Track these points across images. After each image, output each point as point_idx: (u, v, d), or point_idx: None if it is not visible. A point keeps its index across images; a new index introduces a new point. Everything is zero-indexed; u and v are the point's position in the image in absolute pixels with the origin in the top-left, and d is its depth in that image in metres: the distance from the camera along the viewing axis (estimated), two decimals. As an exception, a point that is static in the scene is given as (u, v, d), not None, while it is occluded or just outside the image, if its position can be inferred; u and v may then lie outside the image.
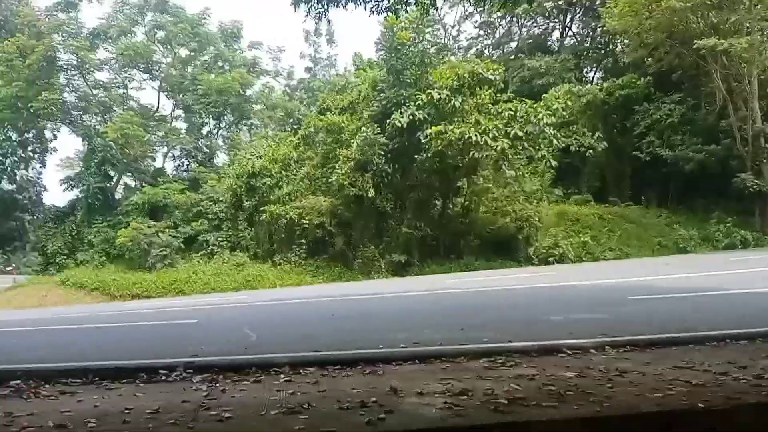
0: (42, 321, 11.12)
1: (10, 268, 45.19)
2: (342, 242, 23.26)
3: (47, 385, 3.88)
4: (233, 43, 35.16)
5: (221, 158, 34.16)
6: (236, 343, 5.58)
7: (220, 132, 35.15)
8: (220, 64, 34.02)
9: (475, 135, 19.40)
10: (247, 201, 25.56)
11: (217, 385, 3.74)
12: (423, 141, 20.57)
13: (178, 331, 7.38)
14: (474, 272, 19.43)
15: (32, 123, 29.00)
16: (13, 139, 30.35)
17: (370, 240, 22.77)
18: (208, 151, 33.07)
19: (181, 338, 6.38)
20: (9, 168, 30.77)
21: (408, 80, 22.02)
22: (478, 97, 21.81)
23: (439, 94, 20.65)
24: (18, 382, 3.97)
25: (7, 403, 3.42)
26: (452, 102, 20.61)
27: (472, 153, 19.98)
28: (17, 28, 28.78)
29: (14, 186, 31.24)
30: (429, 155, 20.84)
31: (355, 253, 22.85)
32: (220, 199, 26.96)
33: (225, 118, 34.03)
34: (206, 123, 33.93)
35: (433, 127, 20.05)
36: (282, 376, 3.92)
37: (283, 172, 25.75)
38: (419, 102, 20.93)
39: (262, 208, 24.63)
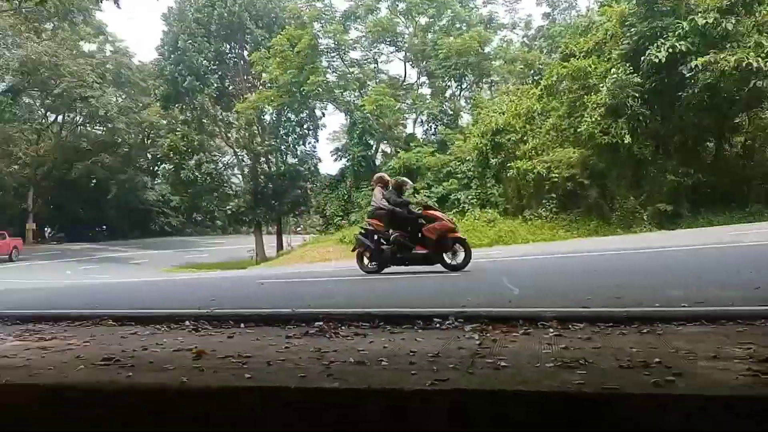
0: (328, 273, 12.91)
1: (300, 228, 53.43)
2: (596, 194, 21.91)
3: (343, 327, 4.50)
4: (468, 2, 35.09)
5: (465, 119, 34.82)
6: (500, 297, 5.72)
7: (462, 93, 35.74)
8: (458, 25, 34.34)
9: (757, 60, 16.23)
10: (493, 158, 25.70)
11: (488, 335, 3.88)
12: (687, 76, 17.97)
13: (445, 283, 7.87)
14: (762, 223, 16.54)
15: (304, 104, 33.30)
16: (292, 119, 35.33)
17: (628, 191, 20.99)
18: (452, 113, 33.97)
19: (447, 290, 6.80)
20: (291, 145, 36.04)
21: (663, 8, 19.31)
22: (757, 15, 18.10)
23: (705, 18, 17.70)
24: (321, 323, 4.70)
25: (315, 341, 4.07)
26: (723, 25, 17.47)
27: (753, 82, 16.84)
28: (286, 22, 33.14)
29: (296, 159, 36.49)
30: (696, 91, 18.17)
31: (612, 205, 21.34)
32: (467, 158, 27.61)
33: (466, 78, 34.42)
34: (449, 86, 34.80)
35: (700, 59, 17.33)
36: (551, 330, 3.89)
37: (527, 126, 25.16)
38: (679, 31, 18.25)
39: (508, 165, 24.53)
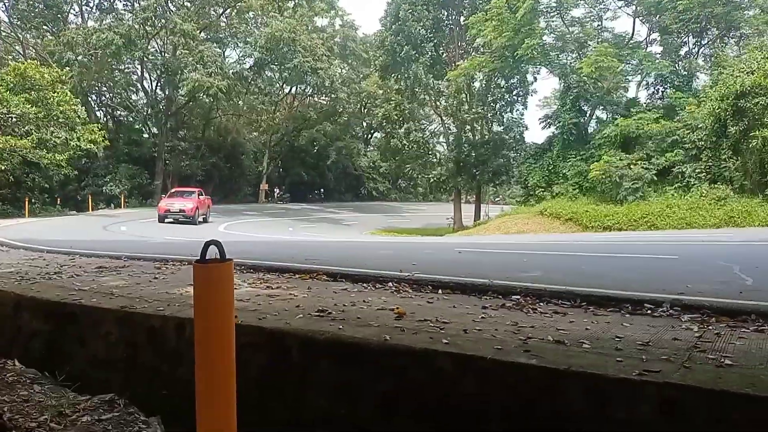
0: (528, 245, 12.60)
1: (498, 198, 52.93)
2: None
3: (542, 304, 4.37)
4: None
5: (701, 80, 30.55)
6: (727, 285, 5.01)
7: (700, 51, 31.34)
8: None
9: None
10: (732, 126, 22.21)
11: (710, 327, 3.45)
12: None
13: (658, 266, 7.15)
14: None
15: (516, 69, 32.27)
16: (501, 86, 34.61)
17: None
18: (686, 74, 30.04)
19: (662, 273, 6.16)
20: (498, 112, 35.41)
21: None
22: None
23: None
24: (518, 297, 4.61)
25: (512, 314, 4.01)
26: None
27: None
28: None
29: (502, 127, 35.83)
30: None
31: None
32: (699, 126, 24.30)
33: (707, 33, 30.05)
34: (685, 43, 30.75)
35: None
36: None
37: (782, 87, 21.18)
38: None
39: (751, 134, 21.04)
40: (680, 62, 30.27)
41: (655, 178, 24.53)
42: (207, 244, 1.62)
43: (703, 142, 24.00)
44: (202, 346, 1.64)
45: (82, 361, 4.37)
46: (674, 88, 28.85)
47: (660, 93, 30.99)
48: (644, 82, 32.16)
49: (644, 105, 29.75)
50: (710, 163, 23.52)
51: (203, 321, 1.63)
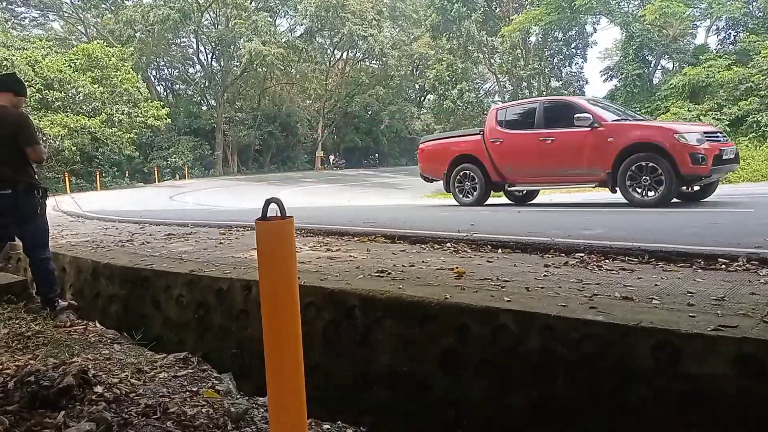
0: (591, 203, 12.23)
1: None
2: None
3: (607, 261, 4.24)
4: None
5: (778, 21, 28.26)
6: (811, 239, 4.69)
7: (779, -11, 28.93)
8: None
9: None
10: (816, 69, 20.55)
11: (791, 282, 3.25)
12: None
13: (732, 220, 6.78)
14: None
15: (574, 20, 30.88)
16: (559, 39, 33.25)
17: None
18: (761, 15, 27.85)
19: (736, 227, 5.83)
20: (556, 66, 34.16)
21: None
22: None
23: None
24: (582, 254, 4.49)
25: (576, 271, 3.92)
26: None
27: None
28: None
29: (560, 83, 34.57)
30: None
31: None
32: (777, 70, 22.60)
33: (786, -33, 27.67)
34: (761, -21, 28.48)
35: None
36: None
37: None
38: None
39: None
40: (755, 2, 28.02)
41: (728, 128, 23.08)
42: (268, 202, 1.65)
43: (781, 88, 22.35)
44: (268, 303, 1.68)
45: (157, 323, 4.62)
46: (748, 31, 26.80)
47: (731, 38, 28.91)
48: (714, 27, 30.07)
49: (714, 51, 27.86)
50: (790, 110, 21.93)
51: (268, 277, 1.67)
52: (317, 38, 47.90)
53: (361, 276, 3.91)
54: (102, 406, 2.67)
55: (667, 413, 2.38)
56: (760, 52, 23.73)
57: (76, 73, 28.70)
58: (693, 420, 2.32)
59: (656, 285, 3.30)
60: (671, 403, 2.37)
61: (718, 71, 24.19)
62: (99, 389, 2.84)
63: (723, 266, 3.77)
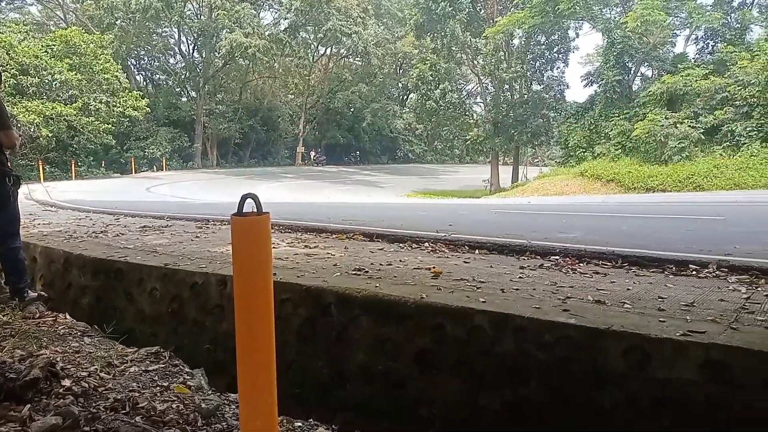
0: (567, 207, 12.37)
1: (537, 160, 51.91)
2: None
3: (582, 264, 4.29)
4: None
5: (755, 33, 28.87)
6: (779, 247, 4.82)
7: (755, 1, 29.57)
8: None
9: None
10: (789, 81, 21.04)
11: (759, 289, 3.33)
12: None
13: (704, 227, 6.92)
14: None
15: (557, 24, 31.11)
16: (542, 42, 33.46)
17: None
18: (738, 26, 28.43)
19: (707, 234, 5.96)
20: (538, 70, 34.35)
21: None
22: None
23: None
24: (557, 257, 4.54)
25: (551, 274, 3.96)
26: None
27: None
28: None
29: (542, 86, 34.77)
30: None
31: None
32: (752, 81, 23.07)
33: (764, -19, 28.31)
34: (740, -8, 29.11)
35: None
36: None
37: None
38: None
39: (810, 89, 19.92)
40: (733, 14, 28.59)
41: (703, 137, 23.57)
42: (244, 198, 1.63)
43: (755, 99, 22.84)
44: (242, 299, 1.66)
45: (129, 316, 4.54)
46: (725, 41, 27.35)
47: (710, 47, 29.46)
48: (693, 36, 30.60)
49: (692, 60, 28.37)
50: (762, 121, 22.42)
51: (242, 273, 1.65)
52: (301, 33, 47.57)
53: (339, 273, 3.90)
54: (69, 399, 2.62)
55: (638, 416, 2.42)
56: (736, 63, 24.24)
57: (53, 59, 28.09)
58: (663, 424, 2.36)
59: (628, 289, 3.35)
60: (642, 407, 2.41)
61: (696, 80, 24.65)
62: (67, 383, 2.79)
63: (694, 272, 3.84)
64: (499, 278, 3.74)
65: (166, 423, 2.51)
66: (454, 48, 34.97)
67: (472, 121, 37.77)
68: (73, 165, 29.84)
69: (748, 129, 22.57)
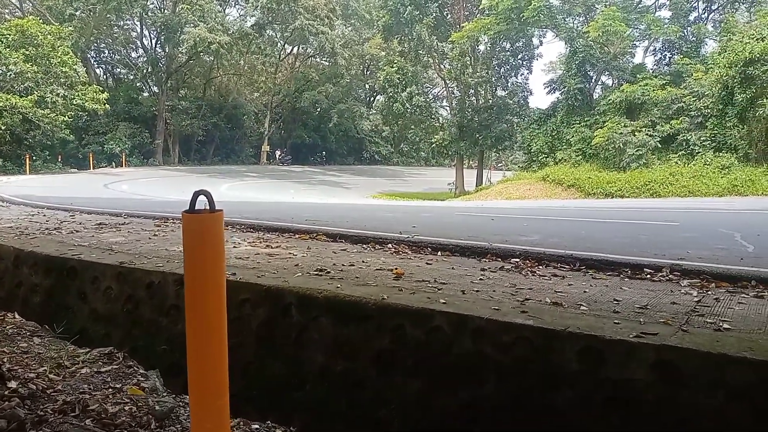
0: (529, 210, 12.58)
1: (500, 164, 52.68)
2: None
3: (541, 267, 4.36)
4: None
5: (709, 47, 30.00)
6: (727, 252, 5.00)
7: (710, 16, 30.72)
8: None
9: None
10: (739, 94, 21.92)
11: (709, 292, 3.45)
12: None
13: (659, 232, 7.13)
14: None
15: (522, 32, 31.65)
16: (507, 49, 33.98)
17: None
18: (694, 39, 29.47)
19: (662, 239, 6.14)
20: (502, 76, 34.87)
21: None
22: None
23: None
24: (517, 260, 4.61)
25: (511, 276, 4.01)
26: None
27: None
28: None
29: (506, 92, 35.31)
30: None
31: None
32: (706, 93, 23.98)
33: (718, -2, 29.45)
34: (694, 8, 30.15)
35: None
36: (796, 298, 3.29)
37: (793, 55, 20.78)
38: None
39: (758, 102, 20.77)
40: (689, 28, 29.66)
41: (659, 145, 24.35)
42: (196, 194, 1.59)
43: (709, 110, 23.73)
44: (192, 298, 1.62)
45: (82, 316, 4.40)
46: (682, 54, 28.36)
47: (667, 59, 30.49)
48: (651, 48, 31.68)
49: (650, 71, 29.30)
50: (715, 131, 23.30)
51: (193, 272, 1.61)
52: (268, 30, 47.10)
53: (300, 274, 3.86)
54: (15, 402, 2.52)
55: (591, 417, 2.46)
56: (692, 75, 25.12)
57: (7, 49, 27.06)
58: (614, 423, 2.41)
59: (585, 292, 3.42)
60: (594, 407, 2.46)
61: (653, 90, 25.44)
62: (13, 384, 2.68)
63: (648, 276, 3.95)
64: (460, 280, 3.76)
65: (117, 426, 2.44)
66: (421, 51, 35.20)
67: (438, 124, 38.04)
68: (27, 159, 28.81)
69: (702, 138, 23.42)
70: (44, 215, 8.13)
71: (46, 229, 6.37)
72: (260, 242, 5.50)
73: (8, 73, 26.94)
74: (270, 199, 19.22)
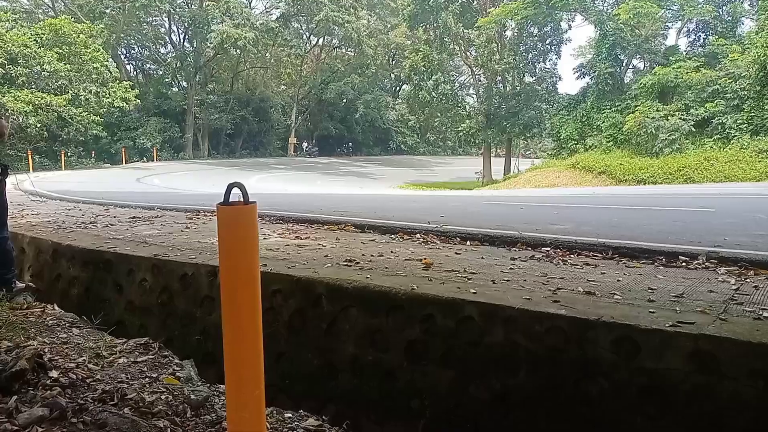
0: (558, 198, 12.41)
1: (529, 152, 51.99)
2: None
3: (572, 256, 4.30)
4: None
5: (746, 26, 28.95)
6: (767, 238, 4.85)
7: (750, -7, 29.64)
8: None
9: None
10: (779, 75, 21.11)
11: (748, 280, 3.35)
12: None
13: (694, 219, 6.95)
14: None
15: (550, 16, 31.05)
16: (534, 34, 33.41)
17: None
18: (730, 19, 28.47)
19: (698, 226, 5.99)
20: (530, 62, 34.32)
21: None
22: None
23: None
24: (548, 249, 4.55)
25: (542, 265, 3.96)
26: None
27: None
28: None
29: (534, 78, 34.75)
30: None
31: None
32: (742, 74, 23.15)
33: (756, -26, 28.33)
34: (730, -15, 29.16)
35: None
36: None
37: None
38: None
39: (800, 82, 20.00)
40: (724, 7, 28.63)
41: (693, 129, 23.67)
42: (230, 187, 1.60)
43: (746, 92, 22.94)
44: (228, 290, 1.64)
45: (119, 307, 4.51)
46: (717, 34, 27.42)
47: (701, 40, 29.53)
48: (685, 29, 30.67)
49: (684, 53, 28.43)
50: (753, 114, 22.53)
51: (228, 263, 1.63)
52: (293, 23, 47.21)
53: (329, 265, 3.89)
54: (56, 391, 2.60)
55: (625, 406, 2.43)
56: (727, 56, 24.31)
57: (42, 48, 27.72)
58: (650, 413, 2.37)
59: (618, 281, 3.36)
60: (629, 396, 2.42)
61: (687, 73, 24.71)
62: (54, 374, 2.76)
63: (684, 264, 3.86)
64: (489, 269, 3.74)
65: (154, 414, 2.50)
66: (446, 39, 34.84)
67: (464, 112, 37.65)
68: (62, 155, 29.55)
69: (738, 122, 22.68)
70: (80, 209, 8.34)
71: (82, 223, 6.54)
72: (289, 233, 5.55)
73: (43, 72, 27.60)
74: (298, 190, 19.37)
